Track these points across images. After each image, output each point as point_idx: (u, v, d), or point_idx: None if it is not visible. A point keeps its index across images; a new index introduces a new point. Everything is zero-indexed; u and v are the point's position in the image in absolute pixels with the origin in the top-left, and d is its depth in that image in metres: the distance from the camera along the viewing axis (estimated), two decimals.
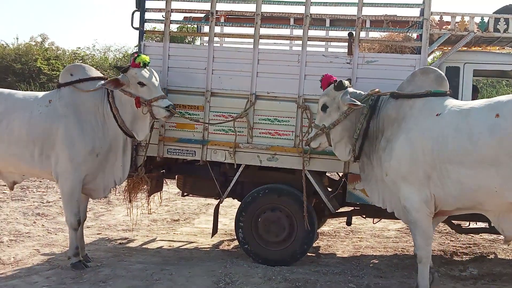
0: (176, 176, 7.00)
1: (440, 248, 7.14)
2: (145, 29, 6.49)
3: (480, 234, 7.37)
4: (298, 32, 6.41)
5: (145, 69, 5.77)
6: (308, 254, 6.42)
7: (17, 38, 26.01)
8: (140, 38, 6.44)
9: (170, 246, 7.07)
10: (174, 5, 6.36)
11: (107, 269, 5.82)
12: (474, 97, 6.16)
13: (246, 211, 6.19)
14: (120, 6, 61.35)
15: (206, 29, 7.15)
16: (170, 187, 9.46)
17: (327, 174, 6.84)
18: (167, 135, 6.35)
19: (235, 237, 6.57)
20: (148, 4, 6.39)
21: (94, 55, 25.36)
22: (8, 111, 5.88)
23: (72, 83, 5.93)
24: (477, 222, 6.60)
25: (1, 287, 5.25)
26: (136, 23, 6.40)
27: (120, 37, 54.08)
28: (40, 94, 6.13)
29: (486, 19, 5.91)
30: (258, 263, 6.10)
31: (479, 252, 6.98)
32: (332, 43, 7.55)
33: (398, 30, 6.32)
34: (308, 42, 6.13)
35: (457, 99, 5.57)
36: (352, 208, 6.68)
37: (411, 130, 4.96)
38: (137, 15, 6.39)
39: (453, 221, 6.52)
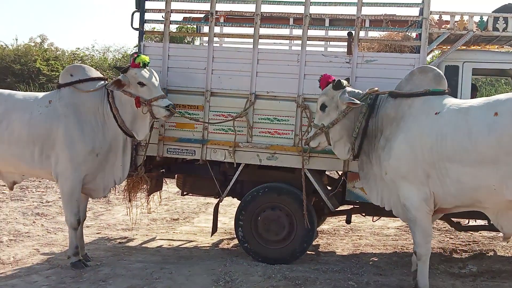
0: (176, 175, 7.03)
1: (439, 245, 7.16)
2: (144, 30, 6.50)
3: (480, 232, 7.40)
4: (298, 32, 6.43)
5: (145, 69, 5.78)
6: (308, 252, 6.45)
7: (16, 39, 25.93)
8: (140, 38, 6.45)
9: (169, 245, 7.09)
10: (174, 5, 6.37)
11: (107, 268, 5.83)
12: (473, 96, 6.18)
13: (245, 209, 6.21)
14: (120, 7, 61.39)
15: (205, 29, 7.17)
16: (170, 187, 9.48)
17: (326, 172, 6.86)
18: (167, 134, 6.37)
19: (235, 236, 6.60)
20: (148, 5, 6.41)
21: (94, 55, 25.38)
22: (8, 111, 5.89)
23: (72, 84, 5.94)
24: (477, 220, 6.62)
25: (1, 286, 5.25)
26: (136, 24, 6.42)
27: (119, 37, 54.10)
28: (40, 94, 6.14)
29: (485, 18, 5.93)
30: (258, 262, 6.11)
31: (479, 250, 7.00)
32: (331, 43, 7.57)
33: (397, 29, 6.34)
34: (308, 42, 6.14)
35: (456, 97, 5.59)
36: (352, 206, 6.69)
37: (410, 129, 4.98)
38: (137, 15, 6.40)
39: (452, 219, 6.55)
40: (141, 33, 6.45)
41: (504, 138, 4.52)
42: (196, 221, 8.65)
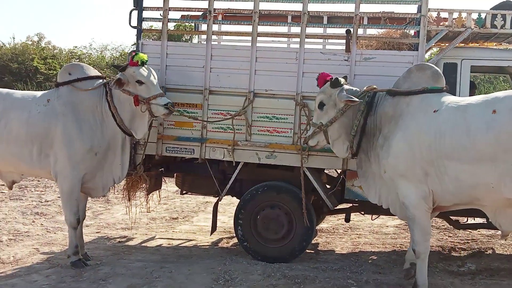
0: (175, 174, 7.03)
1: (438, 243, 7.17)
2: (142, 28, 6.49)
3: (478, 230, 7.41)
4: (296, 29, 6.42)
5: (143, 68, 5.78)
6: (307, 250, 6.45)
7: (14, 38, 25.93)
8: (138, 36, 6.44)
9: (169, 244, 7.09)
10: (172, 3, 6.37)
11: (106, 267, 5.83)
12: (471, 93, 6.19)
13: (245, 208, 6.21)
14: (119, 6, 61.31)
15: (203, 27, 7.17)
16: (169, 186, 9.47)
17: (325, 171, 6.86)
18: (166, 133, 6.36)
19: (234, 235, 6.60)
20: (146, 3, 6.40)
21: (91, 54, 25.31)
22: (7, 110, 5.89)
23: (70, 82, 5.94)
24: (475, 218, 6.63)
25: (1, 286, 5.26)
26: (134, 22, 6.41)
27: (117, 36, 54.07)
28: (39, 93, 6.13)
29: (483, 15, 5.92)
30: (257, 260, 6.12)
31: (477, 248, 7.01)
32: (330, 41, 7.57)
33: (395, 27, 6.33)
34: (306, 40, 6.13)
35: (454, 95, 5.59)
36: (351, 205, 6.70)
37: (408, 127, 4.98)
38: (135, 13, 6.39)
39: (451, 217, 6.55)
40: (139, 31, 6.44)
41: (502, 135, 4.52)
42: (196, 220, 8.65)
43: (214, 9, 6.38)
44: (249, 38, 6.21)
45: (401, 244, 7.18)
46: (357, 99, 5.20)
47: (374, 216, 6.89)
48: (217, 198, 6.52)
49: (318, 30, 7.13)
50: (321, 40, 7.57)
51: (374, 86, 5.42)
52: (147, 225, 8.12)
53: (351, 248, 7.03)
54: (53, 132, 5.76)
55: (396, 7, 6.63)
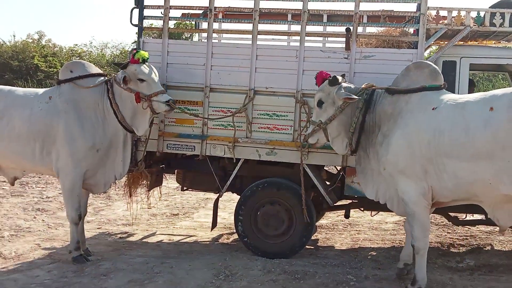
0: (176, 171, 7.08)
1: (437, 240, 7.22)
2: (143, 26, 6.52)
3: (477, 226, 7.46)
4: (296, 27, 6.47)
5: (145, 65, 5.82)
6: (307, 246, 6.49)
7: (14, 36, 25.97)
8: (139, 34, 6.48)
9: (170, 240, 7.14)
10: (173, 1, 6.40)
11: (108, 263, 5.88)
12: (470, 91, 6.22)
13: (245, 204, 6.26)
14: (119, 4, 61.26)
15: (204, 25, 7.21)
16: (169, 182, 9.52)
17: (325, 167, 6.90)
18: (167, 130, 6.41)
19: (235, 231, 6.65)
20: (147, 1, 6.44)
21: (91, 52, 25.37)
22: (9, 108, 5.93)
23: (72, 80, 5.98)
24: (474, 214, 6.66)
25: (3, 281, 5.30)
26: (135, 20, 6.44)
27: (117, 34, 54.04)
28: (40, 90, 6.17)
29: (482, 14, 5.97)
30: (258, 256, 6.16)
31: (476, 244, 7.06)
32: (329, 39, 7.61)
33: (395, 25, 6.37)
34: (306, 38, 6.17)
35: (453, 93, 5.63)
36: (350, 201, 6.74)
37: (407, 125, 5.01)
38: (136, 12, 6.42)
39: (450, 213, 6.60)
40: (140, 29, 6.48)
41: (500, 133, 4.55)
42: (196, 216, 8.70)
43: (215, 7, 6.41)
44: (250, 36, 6.24)
45: (400, 240, 7.22)
46: (355, 97, 5.24)
47: (373, 213, 6.94)
48: (218, 194, 6.56)
49: (318, 28, 7.17)
50: (321, 38, 7.61)
51: (372, 84, 5.47)
52: (148, 221, 8.17)
53: (351, 244, 7.08)
54: (55, 129, 5.80)
55: (395, 5, 6.69)
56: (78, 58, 22.05)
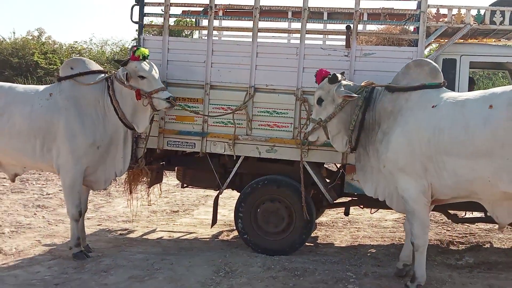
0: (176, 168, 7.09)
1: (436, 237, 7.23)
2: (144, 23, 6.53)
3: (476, 224, 7.49)
4: (296, 25, 6.48)
5: (145, 62, 5.84)
6: (307, 244, 6.51)
7: (14, 33, 25.94)
8: (140, 32, 6.49)
9: (170, 236, 7.16)
10: None
11: (108, 259, 5.89)
12: (470, 89, 6.23)
13: (245, 201, 6.27)
14: (120, 2, 61.19)
15: (204, 23, 7.21)
16: (170, 179, 9.54)
17: (325, 165, 6.91)
18: (167, 127, 6.42)
19: (235, 228, 6.67)
20: None
21: (91, 49, 25.35)
22: (9, 105, 5.94)
23: (72, 77, 5.99)
24: (473, 212, 6.68)
25: (4, 277, 5.32)
26: (136, 17, 6.45)
27: (117, 31, 54.04)
28: (41, 87, 6.18)
29: (482, 12, 5.97)
30: (258, 253, 6.18)
31: (475, 242, 7.07)
32: (330, 36, 7.61)
33: (395, 23, 6.38)
34: (306, 35, 6.18)
35: (453, 91, 5.64)
36: (350, 198, 6.76)
37: (407, 123, 5.01)
38: (136, 9, 6.43)
39: (449, 211, 6.61)
40: (141, 26, 6.48)
41: (499, 131, 4.56)
42: (196, 213, 8.72)
43: (215, 5, 6.43)
44: (250, 33, 6.25)
45: (399, 238, 7.24)
46: (355, 95, 5.25)
47: (373, 210, 6.95)
48: (218, 191, 6.58)
49: (319, 26, 7.17)
50: (321, 36, 7.61)
51: (372, 82, 5.48)
52: (148, 218, 8.19)
53: (350, 241, 7.10)
54: (56, 126, 5.81)
55: (395, 3, 6.68)
56: (78, 55, 22.03)
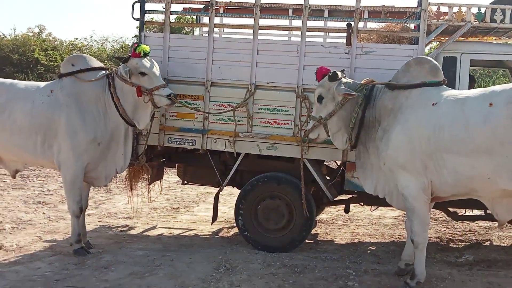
0: (177, 164, 7.10)
1: (436, 235, 7.25)
2: (145, 20, 6.54)
3: (476, 222, 7.50)
4: (297, 22, 6.47)
5: (146, 59, 5.85)
6: (307, 241, 6.53)
7: (15, 29, 25.96)
8: (141, 28, 6.49)
9: (170, 233, 7.17)
10: None
11: (109, 255, 5.92)
12: (471, 87, 6.23)
13: (246, 198, 6.29)
14: (120, 0, 61.13)
15: (205, 20, 7.22)
16: (170, 176, 9.56)
17: (325, 162, 6.93)
18: (168, 124, 6.43)
19: (235, 225, 6.68)
20: None
21: (92, 45, 25.32)
22: (10, 101, 5.95)
23: (73, 73, 6.00)
24: (473, 210, 6.70)
25: (5, 272, 5.34)
26: (137, 14, 6.45)
27: (117, 28, 54.00)
28: (42, 84, 6.19)
29: (483, 10, 5.98)
30: (258, 250, 6.20)
31: (475, 239, 7.09)
32: (330, 34, 7.62)
33: (396, 20, 6.37)
34: (307, 33, 6.19)
35: (454, 89, 5.65)
36: (350, 196, 6.77)
37: (407, 121, 5.02)
38: (137, 5, 6.44)
39: (449, 209, 6.62)
40: (142, 23, 6.49)
41: (498, 129, 4.58)
42: (196, 210, 8.73)
43: (216, 2, 6.43)
44: (251, 31, 6.26)
45: (399, 235, 7.26)
46: (355, 93, 5.26)
47: (373, 208, 6.97)
48: (218, 188, 6.59)
49: (319, 24, 7.17)
50: (322, 33, 7.61)
51: (372, 79, 5.48)
52: (149, 215, 8.20)
53: (350, 239, 7.12)
54: (57, 122, 5.82)
55: (396, 1, 6.69)
56: (79, 52, 22.01)
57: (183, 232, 7.25)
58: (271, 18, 6.66)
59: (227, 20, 7.39)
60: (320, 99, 5.46)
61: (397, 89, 5.24)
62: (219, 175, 6.51)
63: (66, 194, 6.03)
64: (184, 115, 6.38)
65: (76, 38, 25.33)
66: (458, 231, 7.48)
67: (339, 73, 5.43)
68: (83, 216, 6.18)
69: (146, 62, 5.83)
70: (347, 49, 6.03)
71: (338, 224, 7.92)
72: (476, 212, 6.76)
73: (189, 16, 11.11)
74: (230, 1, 7.32)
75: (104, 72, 6.08)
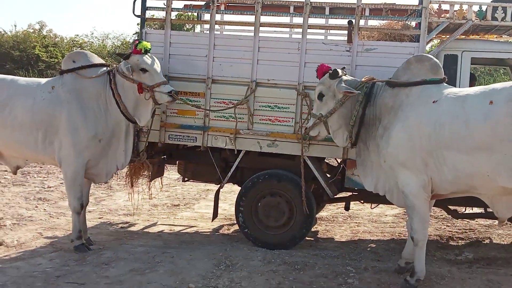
0: (177, 161, 7.11)
1: (436, 233, 7.26)
2: (146, 17, 6.54)
3: (476, 220, 7.50)
4: (298, 20, 6.47)
5: (147, 56, 5.85)
6: (307, 238, 6.54)
7: (15, 25, 25.99)
8: (142, 25, 6.48)
9: (171, 230, 7.19)
10: None
11: (109, 252, 5.93)
12: (471, 85, 6.21)
13: (246, 196, 6.29)
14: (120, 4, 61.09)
15: (206, 17, 7.21)
16: (171, 173, 9.57)
17: (326, 160, 6.93)
18: (169, 121, 6.43)
19: (235, 222, 6.69)
20: None
21: (92, 42, 25.37)
22: (11, 97, 5.96)
23: (74, 70, 6.00)
24: (473, 208, 6.70)
25: (6, 268, 5.35)
26: (138, 11, 6.45)
27: (118, 25, 53.98)
28: (43, 80, 6.20)
29: (484, 8, 5.97)
30: (258, 247, 6.21)
31: (475, 237, 7.10)
32: (331, 31, 7.61)
33: (397, 18, 6.38)
34: (308, 30, 6.18)
35: (455, 87, 5.65)
36: (350, 193, 6.78)
37: (408, 118, 5.03)
38: (138, 2, 6.43)
39: (449, 207, 6.63)
40: (143, 20, 6.48)
41: (498, 127, 4.58)
42: (197, 207, 8.74)
43: None
44: (252, 28, 6.25)
45: (399, 233, 7.27)
46: (355, 91, 5.26)
47: (373, 205, 6.98)
48: (219, 185, 6.60)
49: (320, 21, 7.16)
50: (323, 31, 7.60)
51: (373, 77, 5.48)
52: (149, 212, 8.22)
53: (350, 236, 7.13)
54: (58, 119, 5.83)
55: None
56: (79, 48, 22.04)
57: (184, 229, 7.27)
58: (272, 15, 6.67)
59: (228, 17, 7.38)
60: (320, 96, 5.46)
61: (397, 87, 5.24)
62: (220, 172, 6.52)
63: (67, 190, 6.04)
64: (185, 112, 6.38)
65: (77, 35, 25.40)
66: (458, 229, 7.50)
67: (340, 71, 5.43)
68: (84, 212, 6.20)
69: (147, 59, 5.83)
70: (348, 46, 6.02)
71: (338, 221, 7.93)
72: (476, 210, 6.76)
73: (190, 13, 11.12)
74: None
75: (105, 68, 6.08)
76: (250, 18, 6.31)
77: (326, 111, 5.42)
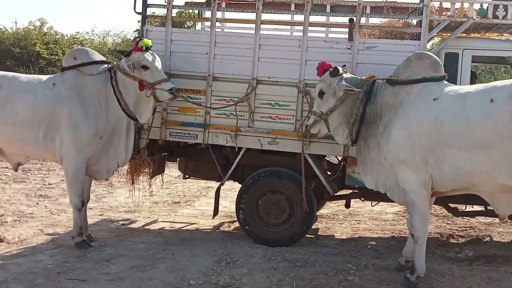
0: (178, 159, 7.12)
1: (436, 230, 7.27)
2: (147, 14, 6.54)
3: (476, 217, 7.52)
4: (299, 17, 6.48)
5: (148, 53, 5.85)
6: (307, 235, 6.55)
7: (16, 22, 25.99)
8: (143, 22, 6.49)
9: (171, 227, 7.19)
10: None
11: (110, 249, 5.94)
12: (472, 83, 6.23)
13: (247, 193, 6.30)
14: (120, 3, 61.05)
15: (207, 14, 7.22)
16: (171, 170, 9.57)
17: (326, 157, 6.94)
18: (170, 118, 6.44)
19: (236, 219, 6.70)
20: None
21: (93, 39, 25.35)
22: (12, 94, 5.96)
23: (75, 67, 6.00)
24: (473, 206, 6.71)
25: (7, 265, 5.36)
26: (139, 8, 6.46)
27: (119, 22, 53.96)
28: (44, 77, 6.20)
29: (485, 6, 5.99)
30: (258, 244, 6.22)
31: (475, 235, 7.10)
32: (332, 29, 7.62)
33: (398, 16, 6.39)
34: (309, 28, 6.19)
35: (455, 84, 5.65)
36: (351, 191, 6.79)
37: (408, 116, 5.03)
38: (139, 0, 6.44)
39: (449, 204, 6.64)
40: (144, 17, 6.49)
41: (498, 124, 4.59)
42: (197, 204, 8.75)
43: None
44: (253, 25, 6.26)
45: (399, 231, 7.28)
46: (356, 89, 5.27)
47: (373, 203, 6.98)
48: (219, 183, 6.61)
49: (321, 19, 7.17)
50: (324, 29, 7.62)
51: (373, 75, 5.49)
52: (150, 209, 8.23)
53: (351, 234, 7.13)
54: (59, 116, 5.84)
55: None
56: (80, 45, 22.03)
57: (184, 226, 7.28)
58: (273, 13, 6.67)
59: (229, 15, 7.39)
60: (321, 94, 5.47)
61: (398, 85, 5.24)
62: (220, 169, 6.52)
63: (68, 187, 6.05)
64: (185, 109, 6.39)
65: (78, 32, 25.47)
66: (458, 227, 7.50)
67: (340, 69, 5.43)
68: (85, 209, 6.20)
69: (148, 56, 5.84)
70: (349, 44, 6.03)
71: (338, 219, 7.94)
72: (477, 208, 6.78)
73: (191, 10, 11.12)
74: None
75: (106, 65, 6.08)
76: (251, 16, 6.33)
77: (326, 109, 5.43)
